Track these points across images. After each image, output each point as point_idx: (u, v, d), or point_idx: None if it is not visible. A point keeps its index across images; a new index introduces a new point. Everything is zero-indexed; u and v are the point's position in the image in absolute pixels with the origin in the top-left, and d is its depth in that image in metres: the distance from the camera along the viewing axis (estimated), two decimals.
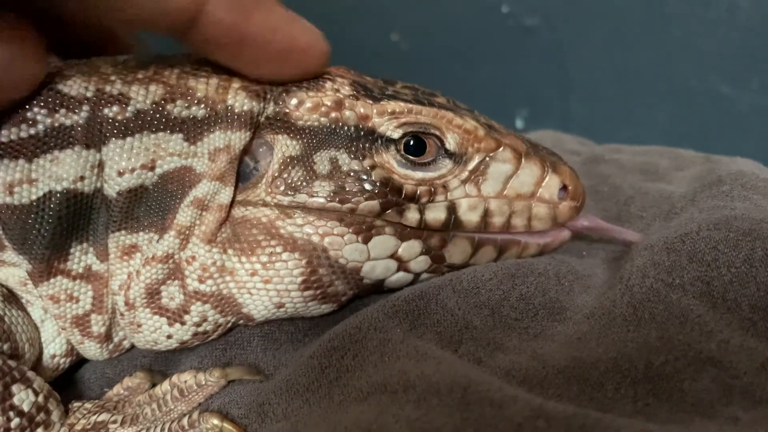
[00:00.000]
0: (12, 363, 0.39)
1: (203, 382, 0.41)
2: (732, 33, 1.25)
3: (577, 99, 1.43)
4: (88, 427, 0.40)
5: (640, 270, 0.40)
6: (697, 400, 0.32)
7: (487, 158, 0.43)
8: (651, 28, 1.33)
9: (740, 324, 0.36)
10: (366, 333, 0.39)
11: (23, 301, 0.43)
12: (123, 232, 0.40)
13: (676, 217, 0.49)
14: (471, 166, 0.43)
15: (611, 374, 0.34)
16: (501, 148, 0.43)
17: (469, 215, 0.42)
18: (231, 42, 0.38)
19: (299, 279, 0.41)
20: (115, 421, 0.41)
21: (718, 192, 0.49)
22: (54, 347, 0.44)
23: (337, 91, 0.41)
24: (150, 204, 0.40)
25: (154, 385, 0.43)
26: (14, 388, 0.38)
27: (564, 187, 0.44)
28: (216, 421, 0.38)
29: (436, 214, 0.42)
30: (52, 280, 0.40)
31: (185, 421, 0.39)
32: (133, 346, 0.46)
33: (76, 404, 0.42)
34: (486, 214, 0.43)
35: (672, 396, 0.32)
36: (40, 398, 0.39)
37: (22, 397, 0.38)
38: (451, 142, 0.42)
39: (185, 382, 0.41)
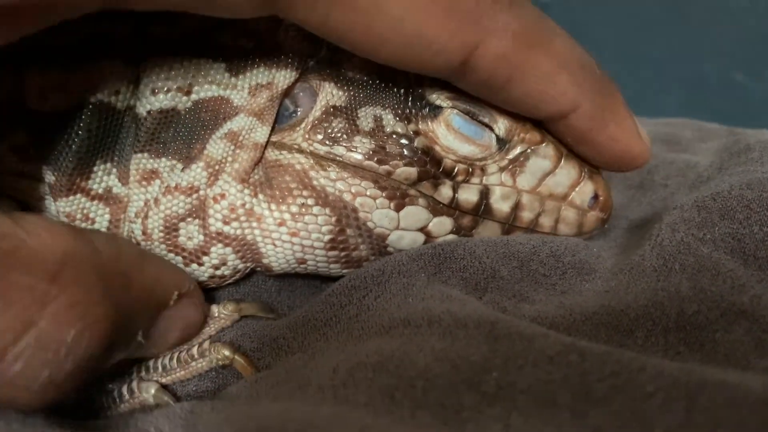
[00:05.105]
0: None
1: (216, 314, 0.39)
2: (750, 20, 1.23)
3: None
4: None
5: (669, 226, 0.39)
6: (729, 351, 0.31)
7: (529, 150, 0.41)
8: (667, 10, 1.32)
9: None
10: (389, 276, 0.38)
11: None
12: (145, 154, 0.39)
13: (703, 185, 0.48)
14: (512, 155, 0.41)
15: (642, 321, 0.33)
16: (544, 144, 0.41)
17: (501, 204, 0.41)
18: (574, 142, 0.40)
19: (327, 237, 0.40)
20: None
21: (747, 159, 0.48)
22: None
23: None
24: (179, 129, 0.39)
25: None
26: None
27: (596, 197, 0.42)
28: (227, 352, 0.37)
29: (468, 195, 0.41)
30: (71, 197, 0.39)
31: (195, 350, 0.38)
32: None
33: None
34: (517, 206, 0.41)
35: (704, 346, 0.32)
36: None
37: None
38: (501, 128, 0.40)
39: None
